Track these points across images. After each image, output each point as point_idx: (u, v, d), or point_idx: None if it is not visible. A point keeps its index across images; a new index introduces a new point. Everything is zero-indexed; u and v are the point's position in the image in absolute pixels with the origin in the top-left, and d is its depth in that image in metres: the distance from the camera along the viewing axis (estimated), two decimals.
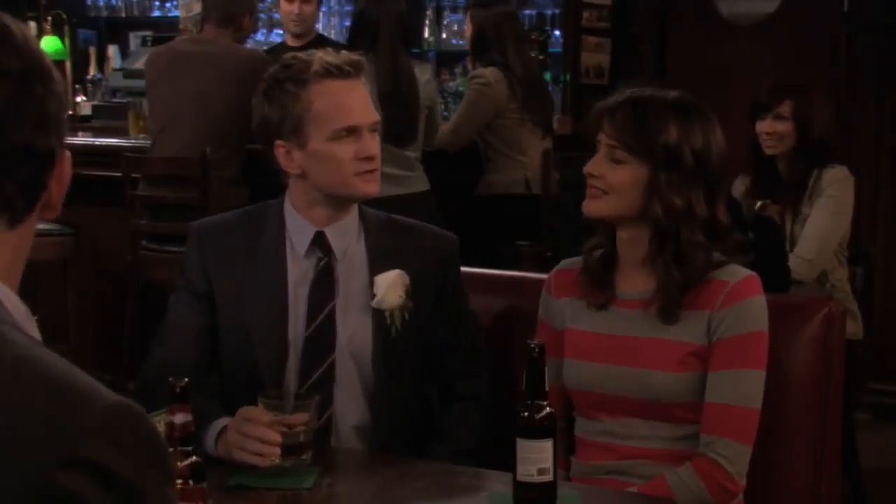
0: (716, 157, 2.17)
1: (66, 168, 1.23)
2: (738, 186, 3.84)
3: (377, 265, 2.30)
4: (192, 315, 2.31)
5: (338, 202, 2.30)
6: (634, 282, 2.21)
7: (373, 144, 2.27)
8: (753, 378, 2.12)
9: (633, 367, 2.16)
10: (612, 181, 2.16)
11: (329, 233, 2.31)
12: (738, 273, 2.16)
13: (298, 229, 2.32)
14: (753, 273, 2.18)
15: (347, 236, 2.33)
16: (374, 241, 2.34)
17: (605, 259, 2.24)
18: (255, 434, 2.01)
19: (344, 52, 2.34)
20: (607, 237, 2.24)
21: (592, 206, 2.19)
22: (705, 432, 2.12)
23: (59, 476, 0.99)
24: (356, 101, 2.27)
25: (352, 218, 2.35)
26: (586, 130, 2.24)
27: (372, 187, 2.28)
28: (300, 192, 2.31)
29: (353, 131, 2.24)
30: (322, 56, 2.27)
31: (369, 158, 2.25)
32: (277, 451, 2.01)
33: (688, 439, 2.14)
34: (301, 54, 2.33)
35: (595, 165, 2.19)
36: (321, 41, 5.17)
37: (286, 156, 2.27)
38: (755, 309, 2.14)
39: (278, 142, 2.27)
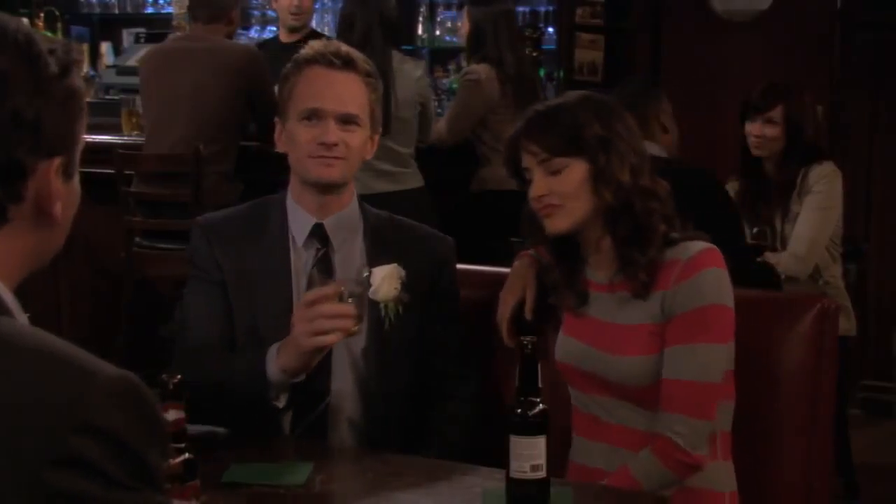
0: (626, 133, 2.16)
1: (50, 180, 1.18)
2: (729, 189, 3.82)
3: (375, 259, 2.31)
4: (210, 302, 2.33)
5: (315, 188, 2.32)
6: (603, 266, 2.20)
7: (334, 133, 2.27)
8: (709, 351, 2.09)
9: (602, 350, 2.17)
10: (562, 190, 2.14)
11: (328, 224, 2.34)
12: (692, 248, 2.13)
13: (298, 220, 2.35)
14: (711, 246, 2.14)
15: (346, 228, 2.36)
16: (374, 236, 2.37)
17: (570, 264, 2.25)
18: (331, 312, 2.07)
19: (345, 44, 2.39)
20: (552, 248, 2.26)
21: (554, 224, 2.17)
22: (662, 409, 2.09)
23: (71, 441, 1.03)
24: (330, 88, 2.29)
25: (350, 211, 2.38)
26: (508, 166, 2.24)
27: (325, 172, 2.29)
28: (293, 175, 2.37)
29: (315, 115, 2.28)
30: (317, 43, 2.36)
31: (325, 145, 2.27)
32: (353, 322, 2.09)
33: None
34: (315, 42, 2.40)
35: (538, 187, 2.17)
36: (314, 37, 5.15)
37: (279, 133, 2.37)
38: (710, 281, 2.10)
39: (276, 118, 2.37)
